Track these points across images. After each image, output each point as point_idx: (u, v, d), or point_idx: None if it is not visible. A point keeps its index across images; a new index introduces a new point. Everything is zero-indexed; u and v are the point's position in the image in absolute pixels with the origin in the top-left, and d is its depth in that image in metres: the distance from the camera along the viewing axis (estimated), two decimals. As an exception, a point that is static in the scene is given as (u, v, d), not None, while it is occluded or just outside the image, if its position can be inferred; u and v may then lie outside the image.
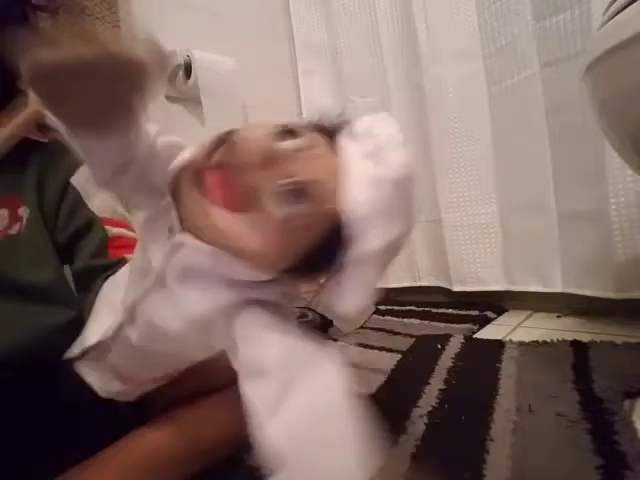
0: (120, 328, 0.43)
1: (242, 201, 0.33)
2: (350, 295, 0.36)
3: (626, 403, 0.55)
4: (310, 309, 1.05)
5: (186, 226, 0.36)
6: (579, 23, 0.85)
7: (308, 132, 0.35)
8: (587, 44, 0.83)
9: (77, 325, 0.49)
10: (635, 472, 0.41)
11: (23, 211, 0.53)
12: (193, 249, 0.35)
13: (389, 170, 0.34)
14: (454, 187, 1.11)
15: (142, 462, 0.48)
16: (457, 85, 1.09)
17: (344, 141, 0.36)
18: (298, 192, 0.32)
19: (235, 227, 0.33)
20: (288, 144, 0.33)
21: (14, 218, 0.51)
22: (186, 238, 0.35)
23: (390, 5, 1.20)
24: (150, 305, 0.39)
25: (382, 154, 0.34)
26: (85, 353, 0.47)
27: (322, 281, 0.39)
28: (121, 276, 0.50)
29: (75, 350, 0.47)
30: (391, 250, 0.35)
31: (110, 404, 0.50)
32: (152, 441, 0.49)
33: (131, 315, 0.41)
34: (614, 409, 0.52)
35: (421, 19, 1.11)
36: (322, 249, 0.34)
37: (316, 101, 1.43)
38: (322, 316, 1.03)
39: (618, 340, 0.73)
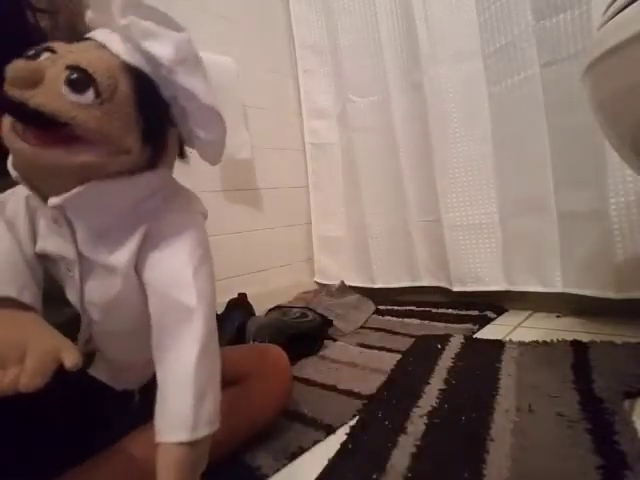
0: (87, 325, 0.44)
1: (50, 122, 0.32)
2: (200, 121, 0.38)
3: (626, 403, 0.55)
4: (310, 309, 1.05)
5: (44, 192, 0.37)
6: (579, 23, 0.85)
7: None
8: (587, 44, 0.83)
9: (76, 323, 0.49)
10: (635, 472, 0.41)
11: None
12: (69, 205, 0.36)
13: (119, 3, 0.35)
14: (454, 187, 1.11)
15: (144, 462, 0.48)
16: (457, 85, 1.09)
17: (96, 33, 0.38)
18: (84, 74, 0.32)
19: (71, 148, 0.33)
20: (55, 46, 0.35)
21: None
22: (57, 200, 0.35)
23: (390, 5, 1.20)
24: (90, 290, 0.41)
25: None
26: (90, 357, 0.47)
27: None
28: None
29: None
30: (185, 52, 0.36)
31: (114, 403, 0.50)
32: (151, 443, 0.49)
33: (83, 310, 0.43)
34: (614, 409, 0.52)
35: (421, 19, 1.11)
36: (145, 99, 0.36)
37: (316, 101, 1.44)
38: (322, 316, 1.03)
39: (618, 340, 0.73)
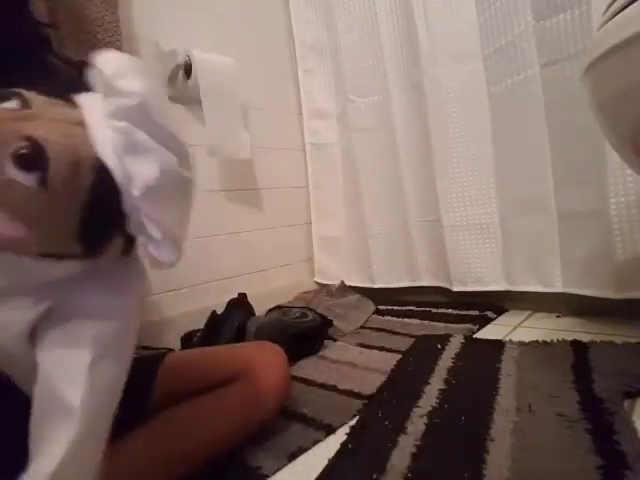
0: None
1: None
2: (155, 241, 0.33)
3: (626, 403, 0.55)
4: (310, 309, 1.05)
5: None
6: (579, 23, 0.85)
7: (34, 95, 0.31)
8: (587, 44, 0.83)
9: None
10: (635, 472, 0.41)
11: None
12: None
13: (120, 101, 0.31)
14: (454, 187, 1.11)
15: (143, 462, 0.48)
16: (457, 85, 1.09)
17: (81, 95, 0.33)
18: (38, 154, 0.28)
19: None
20: (3, 107, 0.29)
21: None
22: None
23: (390, 5, 1.20)
24: None
25: (112, 88, 0.31)
26: None
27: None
28: None
29: None
30: (167, 179, 0.32)
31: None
32: (153, 441, 0.49)
33: None
34: (614, 409, 0.52)
35: (421, 19, 1.11)
36: (99, 203, 0.31)
37: (316, 101, 1.44)
38: (322, 316, 1.03)
39: (618, 340, 0.73)
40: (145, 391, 0.54)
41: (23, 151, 0.27)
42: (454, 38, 1.08)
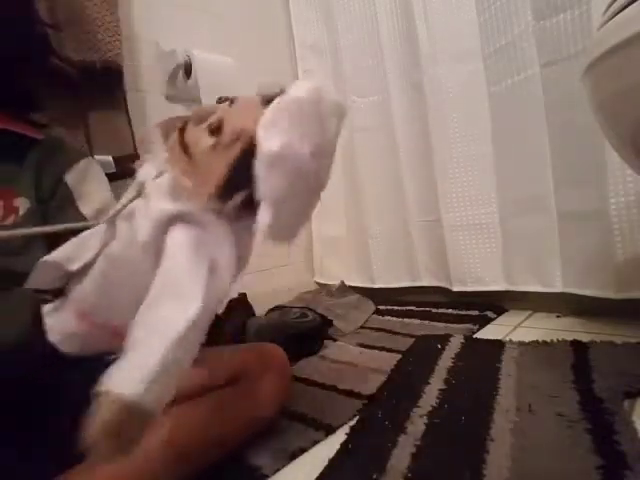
0: (102, 247, 0.44)
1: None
2: (266, 207, 0.38)
3: (626, 403, 0.55)
4: (310, 309, 1.05)
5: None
6: (579, 23, 0.85)
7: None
8: (587, 44, 0.83)
9: None
10: (635, 472, 0.41)
11: (19, 202, 0.53)
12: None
13: (291, 94, 0.39)
14: (454, 187, 1.11)
15: (143, 461, 0.48)
16: (457, 85, 1.09)
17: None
18: (218, 125, 0.39)
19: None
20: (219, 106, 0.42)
21: (9, 210, 0.52)
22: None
23: (390, 5, 1.20)
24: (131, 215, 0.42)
25: (290, 89, 0.40)
26: (57, 294, 0.46)
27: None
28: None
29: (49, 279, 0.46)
30: (288, 159, 0.38)
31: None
32: (154, 441, 0.49)
33: (111, 230, 0.44)
34: (614, 409, 0.52)
35: (421, 19, 1.11)
36: (240, 162, 0.38)
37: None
38: (322, 316, 1.03)
39: (618, 340, 0.73)
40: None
41: (213, 125, 0.39)
42: (454, 38, 1.08)
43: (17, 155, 0.55)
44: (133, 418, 0.31)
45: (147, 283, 0.39)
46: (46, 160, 0.57)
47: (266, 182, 0.38)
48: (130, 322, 0.35)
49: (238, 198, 0.40)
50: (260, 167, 0.38)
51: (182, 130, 0.41)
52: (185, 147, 0.40)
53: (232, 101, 0.42)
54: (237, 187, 0.39)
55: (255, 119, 0.39)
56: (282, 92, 0.41)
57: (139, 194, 0.43)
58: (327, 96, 0.41)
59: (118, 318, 0.45)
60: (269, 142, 0.37)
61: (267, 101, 0.41)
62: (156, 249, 0.40)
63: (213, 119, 0.40)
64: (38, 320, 0.48)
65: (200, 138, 0.40)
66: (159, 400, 0.33)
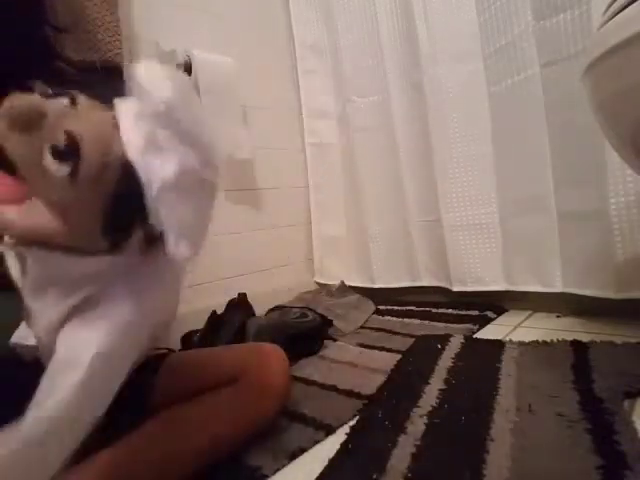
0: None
1: (25, 180, 0.32)
2: (173, 236, 0.34)
3: (626, 403, 0.55)
4: (310, 309, 1.05)
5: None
6: (579, 23, 0.85)
7: (79, 95, 0.35)
8: (587, 44, 0.83)
9: None
10: (635, 472, 0.41)
11: None
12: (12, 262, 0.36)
13: (149, 105, 0.33)
14: (454, 187, 1.11)
15: (143, 462, 0.48)
16: (457, 85, 1.09)
17: (119, 99, 0.36)
18: (73, 148, 0.31)
19: (32, 214, 0.32)
20: (55, 102, 0.33)
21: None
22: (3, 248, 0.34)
23: (390, 5, 1.20)
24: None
25: (143, 93, 0.34)
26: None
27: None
28: None
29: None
30: (185, 178, 0.33)
31: (111, 402, 0.50)
32: (153, 441, 0.49)
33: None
34: (614, 409, 0.52)
35: (421, 19, 1.11)
36: (124, 198, 0.33)
37: (316, 101, 1.44)
38: (322, 316, 1.03)
39: (618, 340, 0.73)
40: (146, 391, 0.54)
41: (60, 145, 0.31)
42: (454, 38, 1.08)
43: None
44: None
45: None
46: None
47: (170, 213, 0.33)
48: None
49: (139, 239, 0.35)
50: (158, 200, 0.32)
51: None
52: (12, 170, 0.32)
53: (72, 101, 0.34)
54: (121, 225, 0.34)
55: (111, 134, 0.33)
56: (128, 91, 0.34)
57: None
58: (187, 84, 0.36)
59: None
60: (156, 170, 0.32)
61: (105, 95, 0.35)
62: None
63: (58, 136, 0.31)
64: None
65: (38, 161, 0.31)
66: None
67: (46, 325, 0.36)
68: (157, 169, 0.32)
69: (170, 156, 0.33)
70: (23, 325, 0.44)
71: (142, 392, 0.54)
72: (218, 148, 0.38)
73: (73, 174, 0.31)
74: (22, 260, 0.37)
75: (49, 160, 0.31)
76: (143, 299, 0.38)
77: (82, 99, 0.35)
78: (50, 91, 0.34)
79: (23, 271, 0.37)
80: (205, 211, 0.38)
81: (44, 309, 0.36)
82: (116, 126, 0.33)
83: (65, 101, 0.33)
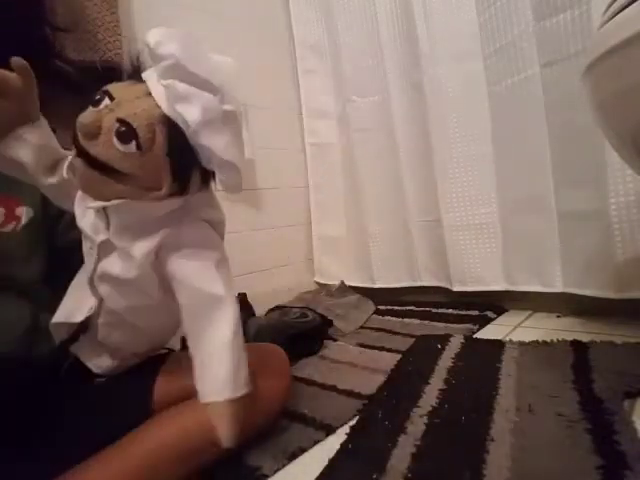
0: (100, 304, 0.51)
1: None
2: (220, 167, 0.44)
3: (626, 403, 0.55)
4: (310, 309, 1.05)
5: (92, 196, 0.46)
6: (579, 23, 0.85)
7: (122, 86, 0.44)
8: (587, 44, 0.83)
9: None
10: (635, 472, 0.41)
11: (22, 211, 0.53)
12: (114, 211, 0.45)
13: (162, 65, 0.41)
14: (454, 187, 1.11)
15: (143, 462, 0.48)
16: (457, 85, 1.09)
17: (148, 75, 0.44)
18: (129, 128, 0.40)
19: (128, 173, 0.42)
20: (103, 104, 0.42)
21: (10, 217, 0.52)
22: (94, 204, 0.45)
23: (390, 5, 1.20)
24: (106, 269, 0.48)
25: (156, 56, 0.42)
26: (75, 334, 0.52)
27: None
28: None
29: (62, 332, 0.52)
30: (210, 116, 0.41)
31: (111, 401, 0.51)
32: (153, 441, 0.49)
33: (91, 284, 0.50)
34: (614, 409, 0.52)
35: (421, 19, 1.11)
36: (177, 146, 0.42)
37: (316, 101, 1.44)
38: (322, 316, 1.03)
39: (618, 340, 0.73)
40: (146, 391, 0.54)
41: (121, 130, 0.40)
42: (454, 38, 1.08)
43: None
44: (235, 407, 0.44)
45: (148, 301, 0.50)
46: None
47: (217, 146, 0.41)
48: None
49: (195, 177, 0.45)
50: (196, 138, 0.41)
51: (83, 151, 0.42)
52: (102, 166, 0.42)
53: (109, 95, 0.42)
54: (184, 169, 0.43)
55: (147, 102, 0.41)
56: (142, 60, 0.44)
57: None
58: (190, 38, 0.43)
59: (134, 345, 0.56)
60: (186, 115, 0.40)
61: (132, 76, 0.44)
62: (152, 266, 0.47)
63: (109, 124, 0.41)
64: (31, 333, 0.50)
65: (114, 149, 0.41)
66: (242, 385, 0.45)
67: (142, 254, 0.46)
68: (187, 113, 0.40)
69: (192, 101, 0.40)
70: (64, 307, 0.51)
71: (142, 392, 0.54)
72: (228, 80, 0.49)
73: (138, 147, 0.41)
74: (105, 214, 0.46)
75: (120, 146, 0.41)
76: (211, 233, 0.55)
77: (114, 86, 0.43)
78: (95, 97, 0.42)
79: (107, 222, 0.46)
80: (236, 136, 0.45)
81: (134, 244, 0.46)
82: (149, 94, 0.42)
83: (106, 99, 0.42)
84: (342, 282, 1.35)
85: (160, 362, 0.58)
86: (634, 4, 0.42)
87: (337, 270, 1.42)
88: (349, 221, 1.41)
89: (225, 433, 0.43)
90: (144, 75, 0.44)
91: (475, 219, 1.10)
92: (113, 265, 0.48)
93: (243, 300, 1.07)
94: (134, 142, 0.40)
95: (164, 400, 0.54)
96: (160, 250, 0.47)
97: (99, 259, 0.48)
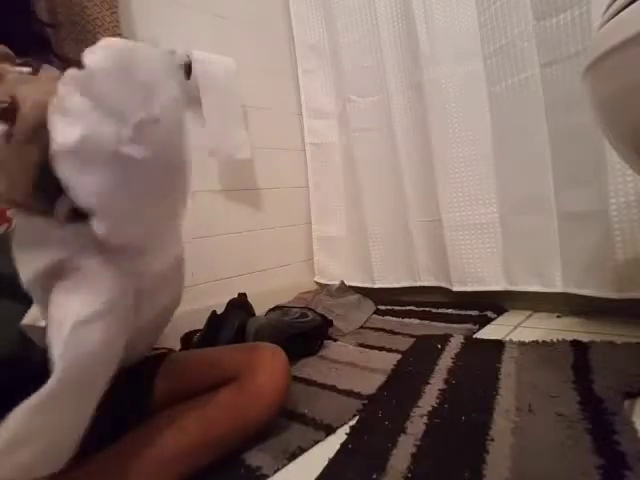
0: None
1: None
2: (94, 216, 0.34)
3: (626, 403, 0.55)
4: (310, 309, 1.05)
5: None
6: (579, 23, 0.85)
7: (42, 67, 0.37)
8: (587, 44, 0.82)
9: None
10: (635, 472, 0.41)
11: (13, 213, 0.53)
12: None
13: (72, 71, 0.33)
14: (454, 187, 1.11)
15: (143, 462, 0.48)
16: (457, 85, 1.09)
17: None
18: (11, 110, 0.32)
19: None
20: (19, 70, 0.36)
21: (2, 219, 0.52)
22: None
23: (390, 5, 1.20)
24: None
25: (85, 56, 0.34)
26: None
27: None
28: None
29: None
30: (92, 147, 0.32)
31: (110, 401, 0.50)
32: (153, 441, 0.49)
33: None
34: (614, 409, 0.52)
35: (421, 19, 1.11)
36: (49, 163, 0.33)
37: (316, 101, 1.44)
38: (322, 316, 1.03)
39: (618, 340, 0.73)
40: (146, 391, 0.54)
41: (2, 105, 0.32)
42: (454, 38, 1.08)
43: None
44: None
45: None
46: None
47: (77, 185, 0.32)
48: None
49: (63, 208, 0.35)
50: (61, 168, 0.32)
51: None
52: None
53: (35, 69, 0.35)
54: (54, 190, 0.34)
55: (47, 102, 0.33)
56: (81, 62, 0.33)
57: None
58: (145, 56, 0.34)
59: None
60: (63, 133, 0.31)
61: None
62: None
63: (3, 97, 0.32)
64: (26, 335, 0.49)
65: None
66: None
67: (29, 279, 0.38)
68: (59, 132, 0.32)
69: (77, 120, 0.32)
70: (34, 308, 0.45)
71: (142, 392, 0.54)
72: (177, 120, 0.37)
73: (7, 135, 0.32)
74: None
75: None
76: (124, 277, 0.39)
77: (47, 71, 0.36)
78: (29, 60, 0.35)
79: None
80: (132, 192, 0.35)
81: (23, 266, 0.38)
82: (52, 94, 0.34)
83: (27, 69, 0.35)
84: (342, 282, 1.35)
85: (160, 362, 0.58)
86: (634, 4, 0.42)
87: (337, 270, 1.42)
88: (349, 221, 1.41)
89: None
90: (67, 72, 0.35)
91: (475, 219, 1.10)
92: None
93: (243, 300, 1.07)
94: (5, 125, 0.33)
95: (164, 400, 0.54)
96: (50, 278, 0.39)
97: None
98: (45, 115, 0.32)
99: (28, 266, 0.38)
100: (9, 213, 0.53)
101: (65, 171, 0.32)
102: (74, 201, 0.33)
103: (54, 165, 0.32)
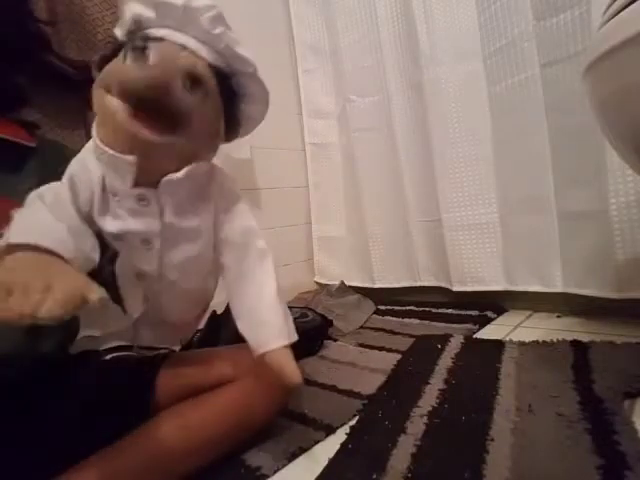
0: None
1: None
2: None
3: (626, 403, 0.55)
4: (310, 309, 1.05)
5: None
6: (579, 23, 0.85)
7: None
8: (587, 44, 0.83)
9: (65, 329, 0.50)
10: (635, 472, 0.41)
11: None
12: (169, 185, 0.46)
13: (210, 10, 0.53)
14: (454, 187, 1.11)
15: (143, 462, 0.48)
16: (457, 85, 1.09)
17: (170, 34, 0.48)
18: (196, 77, 0.44)
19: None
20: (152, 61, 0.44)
21: (5, 220, 0.52)
22: (180, 174, 0.46)
23: (390, 5, 1.20)
24: (170, 254, 0.50)
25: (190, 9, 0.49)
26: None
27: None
28: None
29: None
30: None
31: (112, 400, 0.51)
32: (154, 441, 0.49)
33: (160, 274, 0.51)
34: (614, 409, 0.52)
35: (421, 19, 1.11)
36: (227, 97, 0.50)
37: (316, 101, 1.44)
38: (322, 316, 1.03)
39: (618, 340, 0.73)
40: (146, 391, 0.54)
41: (190, 78, 0.44)
42: (454, 38, 1.08)
43: (13, 164, 0.54)
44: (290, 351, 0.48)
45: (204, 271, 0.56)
46: (48, 170, 0.56)
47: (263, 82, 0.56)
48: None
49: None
50: (256, 76, 0.56)
51: (151, 105, 0.43)
52: (173, 118, 0.44)
53: (146, 50, 0.43)
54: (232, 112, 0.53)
55: (190, 55, 0.46)
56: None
57: None
58: None
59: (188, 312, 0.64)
60: (249, 56, 0.53)
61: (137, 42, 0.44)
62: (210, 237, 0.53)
63: (183, 76, 0.43)
64: (33, 330, 0.49)
65: (186, 97, 0.43)
66: (293, 331, 0.51)
67: (208, 227, 0.51)
68: (248, 56, 0.53)
69: (243, 44, 0.51)
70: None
71: (142, 392, 0.54)
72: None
73: (206, 94, 0.46)
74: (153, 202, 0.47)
75: (190, 94, 0.44)
76: None
77: (156, 48, 0.43)
78: (132, 56, 0.43)
79: (161, 210, 0.48)
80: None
81: (197, 219, 0.50)
82: (183, 49, 0.46)
83: (151, 57, 0.42)
84: (342, 282, 1.35)
85: (160, 362, 0.58)
86: (634, 4, 0.42)
87: (337, 270, 1.42)
88: (349, 221, 1.41)
89: (293, 371, 0.46)
90: (165, 34, 0.46)
91: (475, 219, 1.10)
92: (183, 249, 0.50)
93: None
94: (201, 90, 0.44)
95: (164, 399, 0.54)
96: (215, 216, 0.51)
97: (163, 248, 0.49)
98: (205, 68, 0.47)
99: (205, 216, 0.52)
100: (13, 213, 0.53)
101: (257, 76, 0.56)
102: (247, 106, 0.60)
103: (255, 77, 0.55)
